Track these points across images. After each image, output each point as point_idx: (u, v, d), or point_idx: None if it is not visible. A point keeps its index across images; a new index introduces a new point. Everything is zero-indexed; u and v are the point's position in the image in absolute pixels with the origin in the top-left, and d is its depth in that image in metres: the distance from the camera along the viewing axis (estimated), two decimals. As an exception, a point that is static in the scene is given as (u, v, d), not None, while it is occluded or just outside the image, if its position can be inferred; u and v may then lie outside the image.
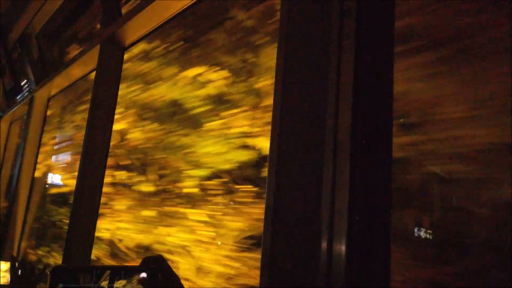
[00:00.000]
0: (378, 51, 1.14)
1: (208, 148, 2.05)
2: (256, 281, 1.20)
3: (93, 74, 2.92)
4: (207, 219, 1.99)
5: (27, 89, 4.84)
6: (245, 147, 1.90)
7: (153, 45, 2.68)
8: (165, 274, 0.83)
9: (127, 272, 0.80)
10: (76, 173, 2.84)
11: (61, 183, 4.13)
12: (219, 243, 1.92)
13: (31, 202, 4.25)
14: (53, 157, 4.39)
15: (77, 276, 0.79)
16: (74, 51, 3.67)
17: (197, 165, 2.10)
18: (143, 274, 0.80)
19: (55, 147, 4.44)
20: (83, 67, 3.47)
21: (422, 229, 1.17)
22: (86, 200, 2.68)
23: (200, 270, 1.93)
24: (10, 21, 4.79)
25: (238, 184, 1.92)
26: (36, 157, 4.35)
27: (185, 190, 2.13)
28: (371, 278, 1.03)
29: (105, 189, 2.70)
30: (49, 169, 4.13)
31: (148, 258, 0.85)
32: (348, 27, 1.12)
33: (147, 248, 2.25)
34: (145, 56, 2.75)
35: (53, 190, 4.06)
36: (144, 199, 2.44)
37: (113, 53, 2.89)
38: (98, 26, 3.10)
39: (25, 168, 4.30)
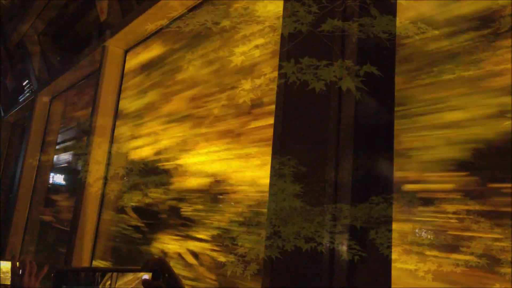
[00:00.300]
0: (381, 51, 1.15)
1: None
2: None
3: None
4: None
5: (29, 90, 4.85)
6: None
7: None
8: (167, 275, 0.83)
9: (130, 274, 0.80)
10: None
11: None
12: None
13: (33, 202, 4.26)
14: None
15: (79, 277, 0.79)
16: (76, 52, 3.64)
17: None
18: (145, 276, 0.80)
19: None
20: (86, 68, 3.48)
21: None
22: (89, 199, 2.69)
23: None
24: (13, 21, 4.80)
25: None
26: (39, 157, 4.36)
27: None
28: (374, 278, 1.03)
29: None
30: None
31: (150, 260, 0.85)
32: (351, 30, 1.12)
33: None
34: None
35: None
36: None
37: (116, 54, 2.91)
38: (101, 27, 3.09)
39: (27, 168, 4.31)
